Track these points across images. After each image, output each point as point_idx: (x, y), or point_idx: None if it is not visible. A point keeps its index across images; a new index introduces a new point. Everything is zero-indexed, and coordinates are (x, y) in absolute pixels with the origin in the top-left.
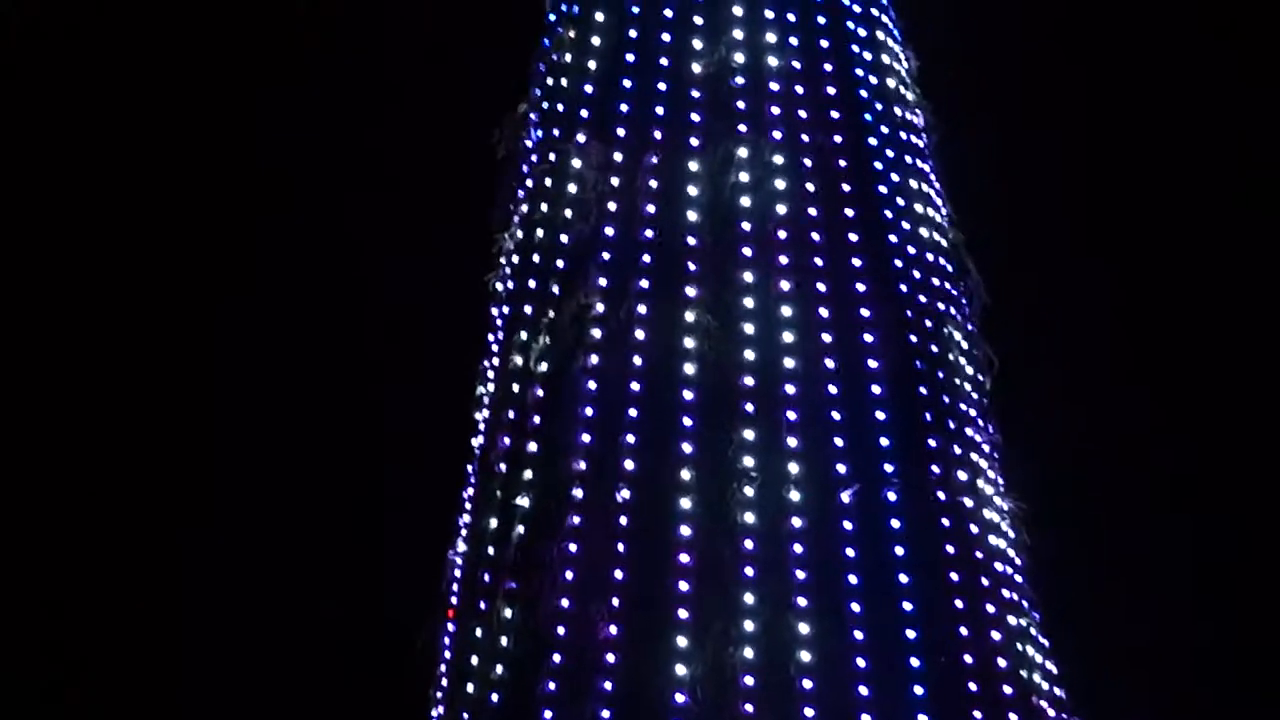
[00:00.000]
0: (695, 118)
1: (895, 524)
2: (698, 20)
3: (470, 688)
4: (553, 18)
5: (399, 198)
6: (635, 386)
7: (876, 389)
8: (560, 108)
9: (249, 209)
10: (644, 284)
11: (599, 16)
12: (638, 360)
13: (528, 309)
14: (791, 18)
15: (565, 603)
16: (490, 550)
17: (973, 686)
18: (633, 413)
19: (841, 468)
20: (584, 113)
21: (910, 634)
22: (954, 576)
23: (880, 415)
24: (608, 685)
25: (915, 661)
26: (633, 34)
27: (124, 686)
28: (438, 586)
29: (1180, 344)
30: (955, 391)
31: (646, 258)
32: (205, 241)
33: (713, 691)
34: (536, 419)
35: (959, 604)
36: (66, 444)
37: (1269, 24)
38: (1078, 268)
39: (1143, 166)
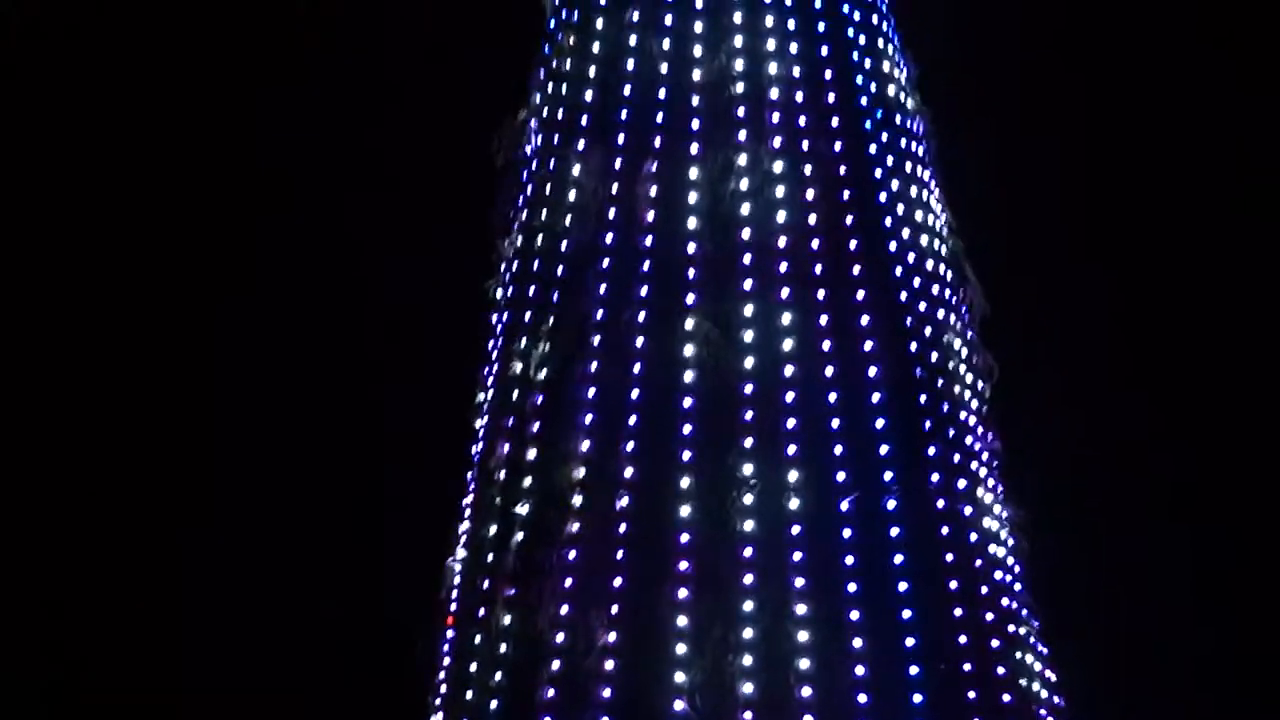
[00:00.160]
0: (695, 125)
1: (895, 532)
2: (698, 27)
3: (469, 694)
4: (553, 24)
5: (399, 199)
6: (635, 394)
7: (876, 397)
8: (560, 114)
9: (249, 210)
10: (644, 291)
11: (599, 23)
12: (637, 367)
13: (527, 316)
14: (791, 25)
15: (564, 610)
16: (489, 557)
17: (972, 694)
18: (632, 420)
19: (841, 475)
20: (584, 120)
21: (910, 642)
22: (953, 584)
23: (880, 423)
24: (607, 692)
25: (914, 669)
26: (633, 41)
27: (124, 687)
28: (437, 593)
29: (1179, 351)
30: (955, 399)
31: (646, 265)
32: (205, 242)
33: (712, 699)
34: (536, 426)
35: (958, 612)
36: (66, 444)
37: (1266, 31)
38: (1077, 275)
39: (1141, 174)
